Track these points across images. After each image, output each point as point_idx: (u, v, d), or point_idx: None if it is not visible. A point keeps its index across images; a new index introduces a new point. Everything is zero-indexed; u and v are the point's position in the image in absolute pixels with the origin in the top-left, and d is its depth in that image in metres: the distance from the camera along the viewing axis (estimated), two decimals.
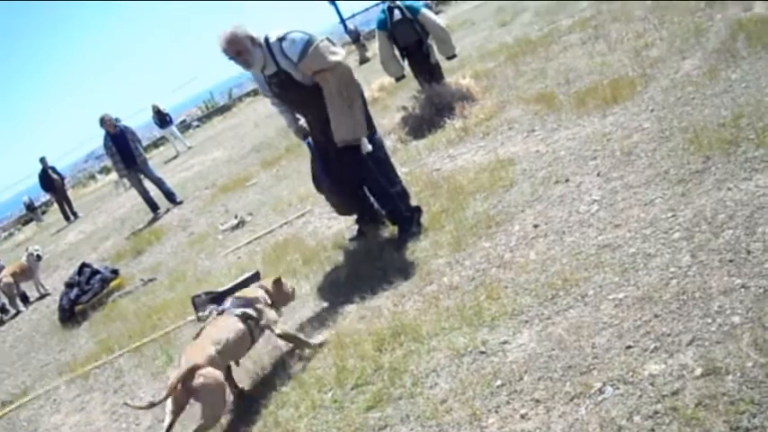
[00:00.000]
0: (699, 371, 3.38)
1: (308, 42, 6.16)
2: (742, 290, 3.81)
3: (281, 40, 6.25)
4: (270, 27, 6.25)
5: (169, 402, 4.72)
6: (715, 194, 4.91)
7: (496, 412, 3.85)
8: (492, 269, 5.47)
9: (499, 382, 4.08)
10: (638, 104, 7.29)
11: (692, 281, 4.11)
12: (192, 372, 4.72)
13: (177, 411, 4.79)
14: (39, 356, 9.92)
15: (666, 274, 4.30)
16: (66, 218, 27.49)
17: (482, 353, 4.44)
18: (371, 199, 7.12)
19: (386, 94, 15.73)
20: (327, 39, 6.28)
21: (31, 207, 35.69)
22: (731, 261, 4.11)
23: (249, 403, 5.30)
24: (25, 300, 14.26)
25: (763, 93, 6.15)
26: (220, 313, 5.48)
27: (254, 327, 5.39)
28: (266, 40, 6.33)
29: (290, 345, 5.69)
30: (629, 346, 3.82)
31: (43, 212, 36.59)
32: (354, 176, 6.81)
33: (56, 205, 30.58)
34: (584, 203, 5.79)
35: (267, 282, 5.90)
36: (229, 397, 5.21)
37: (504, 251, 5.68)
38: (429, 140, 10.02)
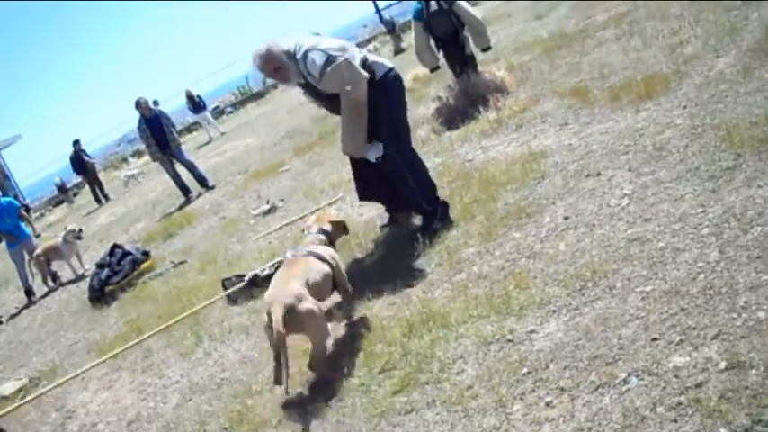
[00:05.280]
0: (723, 364, 3.42)
1: (326, 63, 6.23)
2: None
3: (304, 56, 6.31)
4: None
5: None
6: (745, 192, 4.92)
7: (522, 399, 3.91)
8: (521, 259, 5.52)
9: (525, 370, 4.13)
10: (672, 101, 7.28)
11: (720, 276, 4.14)
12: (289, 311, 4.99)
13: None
14: (68, 335, 10.06)
15: (694, 268, 4.33)
16: (98, 200, 27.75)
17: (509, 341, 4.50)
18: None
19: (420, 84, 15.73)
20: (347, 60, 6.29)
21: (62, 188, 35.96)
22: (759, 258, 4.13)
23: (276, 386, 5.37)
24: (55, 278, 14.44)
25: None
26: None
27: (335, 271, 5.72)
28: (294, 54, 6.41)
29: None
30: (655, 339, 3.86)
31: (75, 194, 36.82)
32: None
33: (87, 188, 30.81)
34: (614, 197, 5.82)
35: (324, 224, 6.18)
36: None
37: (533, 242, 5.72)
38: (462, 131, 10.05)
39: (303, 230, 6.26)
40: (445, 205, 6.86)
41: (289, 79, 6.59)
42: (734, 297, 3.89)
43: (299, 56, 6.33)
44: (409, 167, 6.74)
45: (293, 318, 4.93)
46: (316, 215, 6.49)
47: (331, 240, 6.09)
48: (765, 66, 6.93)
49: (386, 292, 6.05)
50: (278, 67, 6.40)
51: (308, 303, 5.03)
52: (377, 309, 5.82)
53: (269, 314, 4.96)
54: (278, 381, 5.08)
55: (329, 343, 5.36)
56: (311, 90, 6.71)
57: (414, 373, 4.64)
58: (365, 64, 6.51)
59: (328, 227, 6.12)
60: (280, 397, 5.17)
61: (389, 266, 6.44)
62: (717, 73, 7.43)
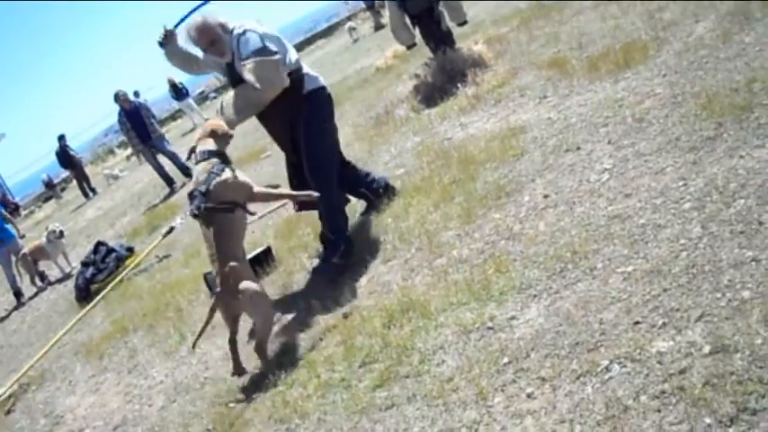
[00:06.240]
0: (707, 348, 3.31)
1: (258, 52, 5.92)
2: (753, 263, 3.73)
3: (242, 33, 6.00)
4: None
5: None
6: (727, 162, 4.80)
7: (502, 391, 3.81)
8: (501, 241, 5.41)
9: (506, 360, 4.02)
10: (651, 69, 7.16)
11: (702, 253, 4.02)
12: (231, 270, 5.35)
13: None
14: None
15: (676, 246, 4.22)
16: (85, 194, 27.78)
17: (489, 329, 4.39)
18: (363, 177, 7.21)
19: (399, 61, 15.66)
20: (277, 61, 6.00)
21: (49, 185, 35.94)
22: (742, 233, 4.02)
23: (258, 382, 5.31)
24: (43, 278, 14.34)
25: None
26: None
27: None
28: (231, 30, 6.11)
29: None
30: (637, 322, 3.75)
31: (62, 189, 36.85)
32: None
33: (74, 182, 30.83)
34: (594, 172, 5.70)
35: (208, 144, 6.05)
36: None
37: (513, 222, 5.60)
38: (441, 108, 9.93)
39: (191, 153, 6.21)
40: (350, 242, 6.58)
41: (224, 54, 6.17)
42: (717, 276, 3.78)
43: (236, 31, 6.04)
44: (328, 191, 6.34)
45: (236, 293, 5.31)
46: (199, 131, 6.25)
47: (224, 156, 6.04)
48: (745, 29, 6.81)
49: (366, 280, 5.98)
50: (213, 39, 6.09)
51: (252, 284, 5.44)
52: (357, 299, 5.76)
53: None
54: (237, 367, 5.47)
55: (271, 326, 5.61)
56: (231, 72, 6.31)
57: (394, 366, 4.54)
58: (298, 73, 6.34)
59: (213, 145, 5.98)
60: (260, 395, 5.11)
61: (369, 253, 6.37)
62: (696, 38, 7.31)
